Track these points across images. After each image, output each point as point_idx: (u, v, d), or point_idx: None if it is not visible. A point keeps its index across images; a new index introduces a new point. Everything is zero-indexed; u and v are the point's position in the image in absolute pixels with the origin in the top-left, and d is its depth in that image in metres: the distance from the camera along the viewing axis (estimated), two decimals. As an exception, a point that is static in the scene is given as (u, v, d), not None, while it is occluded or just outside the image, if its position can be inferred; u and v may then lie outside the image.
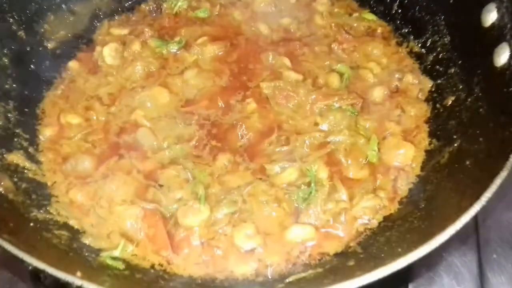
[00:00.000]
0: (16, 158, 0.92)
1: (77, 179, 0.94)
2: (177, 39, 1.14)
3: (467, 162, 0.83)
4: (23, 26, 1.05)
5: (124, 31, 1.17)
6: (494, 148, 0.77)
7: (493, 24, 0.90)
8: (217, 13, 1.21)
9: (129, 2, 1.24)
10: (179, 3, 1.22)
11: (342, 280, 0.60)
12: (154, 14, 1.22)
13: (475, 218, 1.03)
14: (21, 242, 0.66)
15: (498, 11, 0.89)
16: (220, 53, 1.12)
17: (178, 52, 1.13)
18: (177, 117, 1.02)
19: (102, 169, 0.94)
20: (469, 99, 0.93)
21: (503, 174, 0.69)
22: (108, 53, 1.11)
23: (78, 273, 0.62)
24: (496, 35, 0.88)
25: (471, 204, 0.66)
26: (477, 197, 0.67)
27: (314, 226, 0.87)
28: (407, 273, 0.94)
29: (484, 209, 1.02)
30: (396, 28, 1.17)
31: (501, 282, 0.97)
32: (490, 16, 0.90)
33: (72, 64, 1.12)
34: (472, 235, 1.02)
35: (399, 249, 0.67)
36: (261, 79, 1.07)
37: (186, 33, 1.16)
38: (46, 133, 1.01)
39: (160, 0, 1.23)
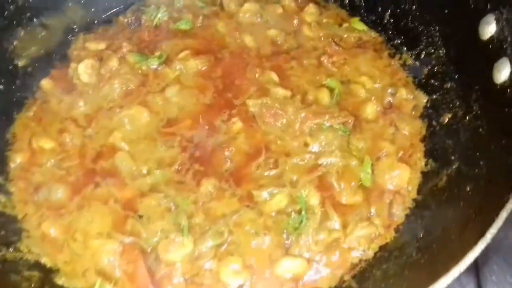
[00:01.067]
0: (-19, 189, 0.86)
1: (50, 211, 0.89)
2: (157, 53, 1.09)
3: (468, 188, 0.79)
4: None
5: (101, 46, 1.12)
6: (496, 174, 0.73)
7: (492, 37, 0.86)
8: (199, 24, 1.16)
9: (106, 14, 1.18)
10: (159, 15, 1.16)
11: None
12: (133, 27, 1.16)
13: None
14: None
15: (497, 23, 0.85)
16: (203, 68, 1.07)
17: (158, 68, 1.07)
18: (158, 139, 0.97)
19: (77, 199, 0.89)
20: (467, 117, 0.90)
21: (509, 207, 0.64)
22: (83, 70, 1.05)
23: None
24: (496, 49, 0.84)
25: (475, 243, 0.61)
26: (482, 232, 0.62)
27: (306, 258, 0.82)
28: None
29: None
30: (388, 39, 1.13)
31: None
32: (489, 29, 0.87)
33: (45, 83, 1.07)
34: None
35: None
36: (247, 96, 1.02)
37: (167, 47, 1.11)
38: (16, 159, 0.96)
39: (139, 12, 1.17)
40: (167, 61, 1.08)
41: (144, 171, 0.92)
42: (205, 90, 1.04)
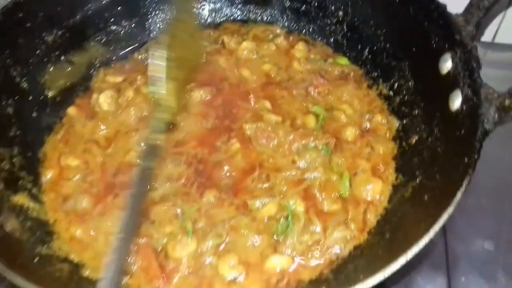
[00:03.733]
0: (21, 199, 1.00)
1: (77, 217, 1.01)
2: (167, 86, 1.24)
3: (426, 197, 0.92)
4: (26, 78, 1.13)
5: (119, 79, 1.26)
6: (446, 186, 0.85)
7: (448, 72, 0.99)
8: (204, 60, 1.30)
9: (123, 52, 1.34)
10: None
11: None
12: (146, 62, 1.30)
13: (445, 245, 1.14)
14: (29, 276, 0.75)
15: (452, 61, 0.98)
16: (206, 98, 1.21)
17: (168, 98, 1.21)
18: (167, 158, 1.10)
19: (99, 207, 1.02)
20: (429, 139, 1.02)
21: (450, 210, 0.78)
22: (103, 100, 1.20)
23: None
24: (451, 82, 0.97)
25: (421, 239, 0.75)
26: (427, 230, 0.76)
27: (291, 256, 0.95)
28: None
29: (456, 236, 1.13)
30: (367, 72, 1.27)
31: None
32: (446, 65, 1.00)
33: (71, 111, 1.21)
34: (443, 260, 1.11)
35: (361, 276, 0.76)
36: (244, 121, 1.16)
37: (176, 80, 1.26)
38: (47, 174, 1.09)
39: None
40: (175, 92, 1.23)
41: (156, 184, 1.05)
42: (208, 116, 1.17)
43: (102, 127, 1.17)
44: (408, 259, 0.73)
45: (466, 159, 0.83)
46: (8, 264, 0.76)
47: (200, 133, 1.15)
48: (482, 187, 1.18)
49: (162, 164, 1.09)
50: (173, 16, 1.18)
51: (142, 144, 1.07)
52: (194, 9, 1.33)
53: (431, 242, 0.77)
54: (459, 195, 0.79)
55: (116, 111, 1.20)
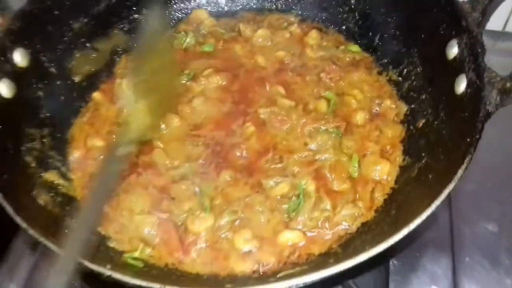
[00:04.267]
0: (51, 176, 1.08)
1: None
2: (186, 71, 1.29)
3: (430, 176, 0.97)
4: (54, 63, 1.20)
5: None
6: (450, 165, 0.89)
7: (455, 57, 1.04)
8: (220, 47, 1.36)
9: (145, 40, 1.41)
10: (188, 39, 1.38)
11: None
12: None
13: (450, 228, 1.18)
14: (60, 245, 0.82)
15: (459, 47, 1.03)
16: (223, 83, 1.27)
17: (187, 83, 1.27)
18: (187, 139, 1.17)
19: (123, 184, 1.09)
20: (435, 122, 1.07)
21: (451, 186, 0.83)
22: (126, 85, 1.25)
23: (108, 266, 0.79)
24: (457, 67, 1.02)
25: (423, 212, 0.81)
26: (429, 205, 0.82)
27: (302, 231, 1.02)
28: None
29: (461, 219, 1.17)
30: (377, 58, 1.32)
31: (473, 282, 1.10)
32: (453, 51, 1.04)
33: (96, 95, 1.27)
34: (448, 242, 1.15)
35: (367, 247, 0.82)
36: (259, 106, 1.22)
37: (194, 66, 1.31)
38: (75, 154, 1.16)
39: (171, 38, 1.39)
40: (194, 78, 1.28)
41: (176, 164, 1.12)
42: (224, 101, 1.24)
43: (125, 110, 1.21)
44: (411, 230, 0.79)
45: (468, 139, 0.88)
46: (42, 233, 0.83)
47: (217, 116, 1.21)
48: (487, 171, 1.24)
49: (182, 145, 1.16)
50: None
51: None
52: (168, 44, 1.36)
53: (433, 216, 0.82)
54: (460, 172, 0.84)
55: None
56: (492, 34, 1.55)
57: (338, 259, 0.80)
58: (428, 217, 0.81)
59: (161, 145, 1.16)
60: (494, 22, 1.54)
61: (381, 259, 1.07)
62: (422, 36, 1.18)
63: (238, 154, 1.14)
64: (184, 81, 1.28)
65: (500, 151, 1.30)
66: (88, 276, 0.88)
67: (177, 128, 1.20)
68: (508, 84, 0.88)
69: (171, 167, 1.12)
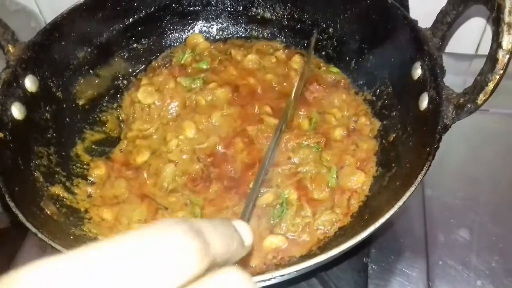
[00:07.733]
0: (57, 190, 1.17)
1: (104, 204, 1.19)
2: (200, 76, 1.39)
3: (397, 183, 1.07)
4: (60, 88, 1.31)
5: (145, 81, 1.41)
6: (413, 172, 0.98)
7: (419, 77, 1.14)
8: (216, 65, 1.45)
9: (143, 66, 1.52)
10: (185, 56, 1.48)
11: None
12: (166, 66, 1.48)
13: (425, 235, 1.28)
14: (67, 247, 0.92)
15: (422, 68, 1.13)
16: (229, 95, 1.36)
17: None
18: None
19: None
20: (404, 136, 1.17)
21: (412, 189, 0.93)
22: (142, 95, 1.34)
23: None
24: (421, 86, 1.11)
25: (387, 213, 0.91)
26: (393, 206, 0.92)
27: (285, 236, 1.11)
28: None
29: (435, 225, 1.27)
30: (354, 80, 1.43)
31: (446, 283, 1.19)
32: (417, 72, 1.15)
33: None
34: (423, 247, 1.25)
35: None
36: (247, 124, 1.31)
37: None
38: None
39: (168, 57, 1.50)
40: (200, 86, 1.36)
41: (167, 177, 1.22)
42: (237, 119, 1.31)
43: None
44: (376, 228, 0.88)
45: (428, 149, 0.98)
46: (50, 237, 0.93)
47: (227, 132, 1.30)
48: (459, 182, 1.36)
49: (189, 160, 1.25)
50: None
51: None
52: None
53: (396, 216, 0.92)
54: (420, 177, 0.94)
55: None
56: (465, 57, 1.67)
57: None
58: (392, 217, 0.91)
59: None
60: (468, 46, 1.65)
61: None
62: (392, 60, 1.28)
63: (228, 167, 1.23)
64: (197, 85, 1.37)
65: (472, 163, 1.41)
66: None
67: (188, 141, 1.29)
68: (461, 100, 0.98)
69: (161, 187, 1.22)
